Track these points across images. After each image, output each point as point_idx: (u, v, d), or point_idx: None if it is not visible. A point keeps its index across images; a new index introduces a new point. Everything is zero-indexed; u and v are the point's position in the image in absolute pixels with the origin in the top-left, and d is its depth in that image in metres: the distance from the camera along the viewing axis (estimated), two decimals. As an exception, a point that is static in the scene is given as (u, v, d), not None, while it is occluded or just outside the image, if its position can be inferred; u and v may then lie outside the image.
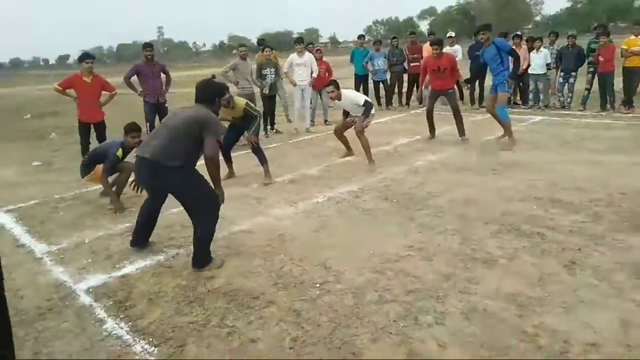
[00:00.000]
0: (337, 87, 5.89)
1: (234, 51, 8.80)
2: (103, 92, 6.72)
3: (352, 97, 6.04)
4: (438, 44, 7.15)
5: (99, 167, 4.91)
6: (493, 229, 3.82)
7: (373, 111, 6.08)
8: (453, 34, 11.34)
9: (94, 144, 6.67)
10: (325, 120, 9.74)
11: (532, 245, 3.47)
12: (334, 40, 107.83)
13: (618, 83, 8.95)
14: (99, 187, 5.28)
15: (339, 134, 6.46)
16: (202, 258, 3.43)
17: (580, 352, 2.28)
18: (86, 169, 5.07)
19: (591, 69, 9.11)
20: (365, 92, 11.09)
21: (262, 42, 9.85)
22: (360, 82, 11.11)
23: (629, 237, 3.50)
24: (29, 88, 29.07)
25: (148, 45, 7.83)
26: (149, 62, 7.64)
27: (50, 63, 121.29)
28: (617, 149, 6.08)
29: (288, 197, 4.98)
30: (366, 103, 5.91)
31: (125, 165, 4.91)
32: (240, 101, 5.54)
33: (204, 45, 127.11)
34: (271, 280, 3.20)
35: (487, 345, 2.38)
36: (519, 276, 3.05)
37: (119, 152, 4.80)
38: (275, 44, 11.66)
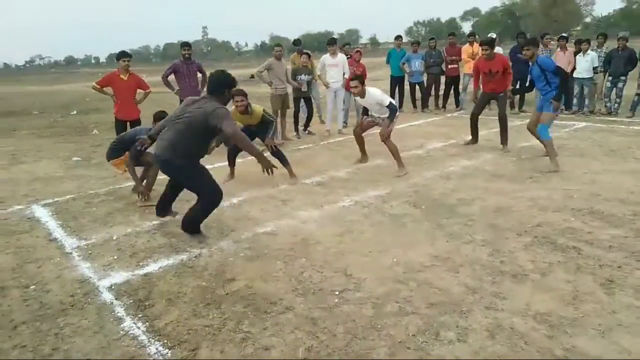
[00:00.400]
0: (362, 83, 5.71)
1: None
2: (139, 90, 6.88)
3: (377, 96, 5.81)
4: (489, 44, 6.65)
5: (127, 154, 5.04)
6: (526, 241, 3.63)
7: (397, 114, 5.91)
8: (494, 36, 10.96)
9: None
10: (344, 122, 9.59)
11: (567, 260, 3.27)
12: (374, 41, 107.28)
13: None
14: (132, 183, 5.39)
15: (358, 135, 6.33)
16: (192, 226, 4.02)
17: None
18: (114, 153, 5.24)
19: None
20: (401, 94, 10.91)
21: (298, 42, 9.84)
22: (396, 83, 10.92)
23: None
24: (79, 85, 30.39)
25: (186, 45, 7.96)
26: (186, 61, 7.77)
27: (100, 61, 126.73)
28: (624, 157, 5.69)
29: (315, 200, 4.92)
30: (391, 105, 5.71)
31: (151, 157, 4.95)
32: (258, 108, 5.54)
33: (246, 45, 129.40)
34: (290, 285, 3.15)
35: (511, 367, 2.24)
36: (551, 293, 2.87)
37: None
38: (316, 45, 11.59)
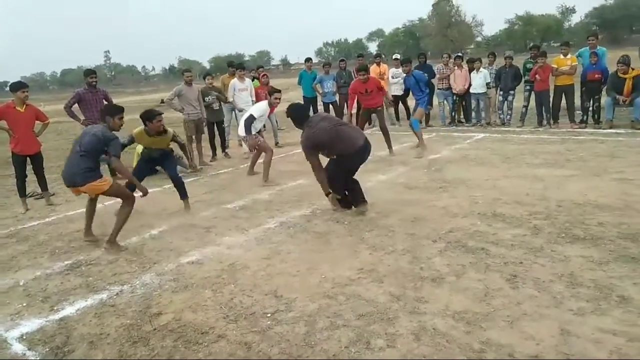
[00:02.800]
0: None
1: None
2: (37, 122, 6.43)
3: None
4: (364, 70, 7.76)
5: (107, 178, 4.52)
6: (440, 247, 3.91)
7: (254, 132, 6.61)
8: (399, 56, 11.73)
9: (30, 176, 6.35)
10: (277, 143, 9.75)
11: (477, 261, 3.58)
12: (285, 62, 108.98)
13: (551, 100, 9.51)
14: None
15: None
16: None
17: (524, 366, 2.34)
18: (92, 174, 4.34)
19: (528, 87, 9.65)
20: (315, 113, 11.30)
21: (232, 64, 9.79)
22: (309, 103, 11.25)
23: (566, 248, 3.68)
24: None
25: (91, 72, 7.61)
26: (91, 89, 7.41)
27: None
28: (553, 163, 6.43)
29: (239, 224, 4.90)
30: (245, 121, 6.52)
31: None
32: (170, 130, 5.46)
33: (153, 69, 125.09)
34: (221, 313, 3.11)
35: (437, 365, 2.41)
36: (465, 293, 3.12)
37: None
38: (227, 67, 11.61)
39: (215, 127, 8.90)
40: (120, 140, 4.58)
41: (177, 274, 3.79)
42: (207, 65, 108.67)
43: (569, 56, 9.12)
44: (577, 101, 9.21)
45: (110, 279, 3.80)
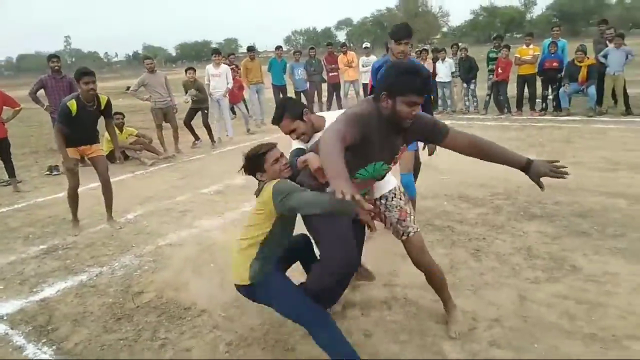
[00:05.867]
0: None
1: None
2: (5, 108, 6.28)
3: None
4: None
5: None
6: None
7: None
8: (369, 45, 11.92)
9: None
10: (248, 129, 9.80)
11: (444, 238, 3.82)
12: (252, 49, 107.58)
13: (513, 89, 9.92)
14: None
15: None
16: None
17: (486, 327, 2.58)
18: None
19: (490, 77, 10.03)
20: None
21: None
22: (279, 91, 11.33)
23: (524, 225, 3.97)
24: None
25: (54, 57, 7.44)
26: (55, 75, 7.26)
27: None
28: (514, 148, 6.75)
29: (215, 208, 4.99)
30: None
31: None
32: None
33: (116, 55, 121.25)
34: (203, 290, 3.23)
35: (407, 329, 2.62)
36: (433, 266, 3.35)
37: (71, 103, 4.23)
38: (193, 54, 11.58)
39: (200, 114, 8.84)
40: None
41: (156, 255, 3.87)
42: (173, 52, 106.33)
43: (531, 46, 9.52)
44: (539, 90, 9.64)
45: (88, 261, 3.84)
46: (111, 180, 4.72)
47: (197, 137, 8.78)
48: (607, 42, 8.63)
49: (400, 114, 2.11)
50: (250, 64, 10.35)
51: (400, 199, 2.62)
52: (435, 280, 2.62)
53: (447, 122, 8.49)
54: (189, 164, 7.38)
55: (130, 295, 3.21)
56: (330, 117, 2.51)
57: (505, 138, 7.53)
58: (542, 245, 3.56)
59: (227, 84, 8.82)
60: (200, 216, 4.77)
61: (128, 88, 7.85)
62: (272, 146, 2.42)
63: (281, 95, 11.19)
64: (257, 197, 2.38)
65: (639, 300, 2.73)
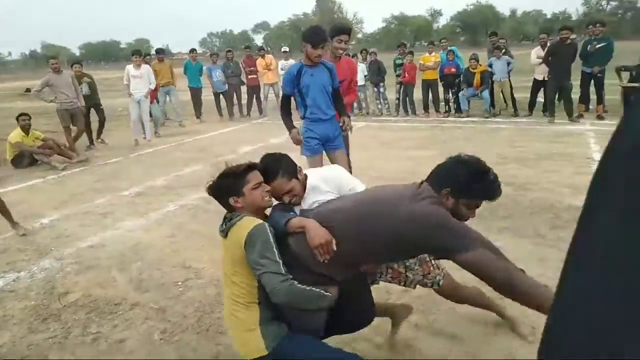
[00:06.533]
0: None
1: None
2: None
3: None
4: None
5: None
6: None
7: None
8: (287, 49, 12.22)
9: None
10: (156, 132, 9.58)
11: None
12: (166, 51, 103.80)
13: (419, 93, 10.74)
14: None
15: None
16: None
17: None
18: None
19: (399, 81, 10.78)
20: (199, 104, 11.33)
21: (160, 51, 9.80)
22: (195, 93, 11.30)
23: (430, 212, 4.46)
24: None
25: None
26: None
27: None
28: (421, 146, 7.43)
29: (137, 209, 4.97)
30: None
31: None
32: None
33: (10, 54, 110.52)
34: (132, 286, 3.28)
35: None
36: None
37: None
38: (101, 54, 11.15)
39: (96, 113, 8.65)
40: None
41: (78, 257, 3.81)
42: (77, 52, 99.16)
43: (433, 54, 10.40)
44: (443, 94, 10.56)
45: (4, 267, 3.69)
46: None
47: (91, 141, 8.65)
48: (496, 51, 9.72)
49: (460, 214, 1.89)
50: (159, 66, 10.22)
51: None
52: (478, 300, 2.48)
53: (363, 124, 9.06)
54: (105, 167, 7.16)
55: (56, 296, 3.18)
56: (312, 174, 2.25)
57: (415, 137, 8.21)
58: (444, 228, 4.04)
59: (150, 84, 8.68)
60: (122, 218, 4.72)
61: (28, 90, 7.41)
62: (255, 165, 2.04)
63: (197, 97, 11.18)
64: (223, 236, 1.96)
65: (519, 266, 3.25)
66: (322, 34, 3.63)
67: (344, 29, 3.73)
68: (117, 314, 2.94)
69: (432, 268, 2.30)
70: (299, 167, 2.21)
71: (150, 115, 9.17)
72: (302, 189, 2.16)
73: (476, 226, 3.95)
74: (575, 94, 8.65)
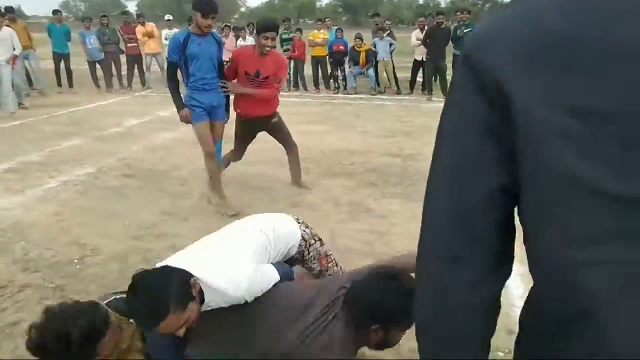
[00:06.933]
0: None
1: None
2: None
3: None
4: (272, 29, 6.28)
5: None
6: (234, 187, 4.44)
7: None
8: (171, 17, 11.53)
9: None
10: (20, 104, 8.48)
11: (265, 196, 4.26)
12: (20, 14, 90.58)
13: (309, 70, 10.95)
14: None
15: None
16: None
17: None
18: None
19: (287, 57, 10.87)
20: (68, 72, 10.25)
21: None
22: (60, 58, 10.17)
23: (330, 181, 4.69)
24: None
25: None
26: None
27: None
28: (314, 121, 7.65)
29: (10, 186, 4.43)
30: None
31: None
32: None
33: None
34: (18, 267, 2.97)
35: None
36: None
37: None
38: None
39: None
40: None
41: (-58, 242, 3.32)
42: None
43: (322, 31, 10.65)
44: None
45: None
46: None
47: None
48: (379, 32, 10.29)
49: (391, 343, 1.60)
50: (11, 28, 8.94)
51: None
52: None
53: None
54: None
55: None
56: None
57: (306, 112, 8.40)
58: (344, 195, 4.29)
59: (14, 50, 7.60)
60: (-8, 196, 4.18)
61: None
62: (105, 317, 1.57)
63: (64, 64, 10.04)
64: None
65: (413, 226, 3.62)
66: (213, 5, 3.55)
67: (272, 26, 3.71)
68: (5, 296, 2.65)
69: (329, 264, 2.11)
70: (191, 278, 1.59)
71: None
72: (200, 306, 1.59)
73: (373, 194, 4.29)
74: (450, 75, 9.58)
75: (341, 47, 10.32)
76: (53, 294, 2.68)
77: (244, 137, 4.26)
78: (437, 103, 8.89)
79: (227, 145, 4.44)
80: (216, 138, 4.07)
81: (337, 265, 2.18)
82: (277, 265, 1.85)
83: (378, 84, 10.36)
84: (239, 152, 4.38)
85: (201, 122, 3.86)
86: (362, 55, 10.02)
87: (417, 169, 4.97)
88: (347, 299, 1.56)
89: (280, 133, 4.38)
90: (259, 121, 4.13)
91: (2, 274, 2.89)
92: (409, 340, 1.65)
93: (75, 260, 3.06)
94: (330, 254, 2.17)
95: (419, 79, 10.11)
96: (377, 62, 10.06)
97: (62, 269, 2.96)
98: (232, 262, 1.70)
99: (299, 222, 2.13)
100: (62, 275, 2.88)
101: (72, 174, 4.80)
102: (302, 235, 2.01)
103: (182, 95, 3.83)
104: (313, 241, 2.05)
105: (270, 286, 1.69)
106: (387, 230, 3.56)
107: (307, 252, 2.01)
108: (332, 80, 10.82)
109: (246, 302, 1.62)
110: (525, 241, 0.64)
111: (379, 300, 1.49)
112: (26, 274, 2.89)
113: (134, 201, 4.13)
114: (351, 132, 6.84)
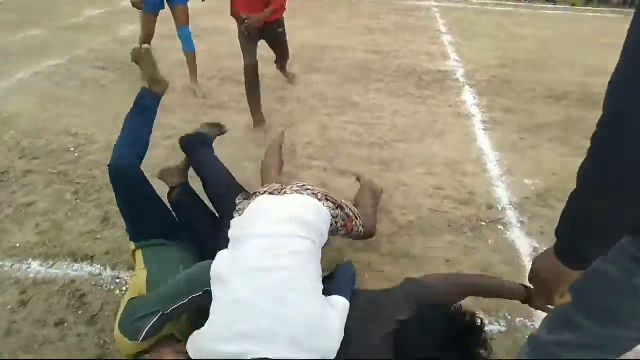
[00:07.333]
0: None
1: None
2: None
3: None
4: None
5: None
6: (219, 82, 4.39)
7: None
8: None
9: None
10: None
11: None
12: None
13: None
14: None
15: None
16: None
17: (302, 148, 3.24)
18: None
19: None
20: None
21: None
22: None
23: (313, 76, 4.69)
24: None
25: None
26: None
27: None
28: (287, 16, 7.30)
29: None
30: None
31: None
32: None
33: None
34: (13, 154, 2.97)
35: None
36: (243, 114, 3.79)
37: None
38: None
39: None
40: None
41: None
42: None
43: None
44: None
45: None
46: None
47: None
48: None
49: None
50: None
51: None
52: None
53: None
54: None
55: None
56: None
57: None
58: (330, 90, 4.35)
59: None
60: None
61: None
62: None
63: None
64: None
65: (397, 119, 3.79)
66: None
67: None
68: (8, 181, 2.68)
69: (354, 223, 1.95)
70: None
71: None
72: None
73: (356, 89, 4.37)
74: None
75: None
76: (58, 179, 2.73)
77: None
78: (410, 1, 8.69)
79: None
80: (181, 24, 3.95)
81: (357, 217, 1.97)
82: (343, 288, 1.55)
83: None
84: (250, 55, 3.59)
85: (153, 12, 3.88)
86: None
87: (397, 65, 5.03)
88: (399, 333, 1.29)
89: (281, 46, 3.97)
90: (266, 28, 3.56)
91: (0, 160, 2.89)
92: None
93: (72, 149, 3.07)
94: (350, 212, 1.94)
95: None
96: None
97: (61, 156, 2.98)
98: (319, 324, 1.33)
99: (318, 199, 1.80)
100: (62, 162, 2.90)
101: (44, 65, 4.57)
102: (330, 214, 1.78)
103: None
104: (336, 213, 1.84)
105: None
106: (374, 122, 3.72)
107: (335, 225, 1.82)
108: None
109: None
110: None
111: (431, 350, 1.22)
112: (24, 160, 2.90)
113: (115, 93, 4.03)
114: (327, 28, 6.68)
